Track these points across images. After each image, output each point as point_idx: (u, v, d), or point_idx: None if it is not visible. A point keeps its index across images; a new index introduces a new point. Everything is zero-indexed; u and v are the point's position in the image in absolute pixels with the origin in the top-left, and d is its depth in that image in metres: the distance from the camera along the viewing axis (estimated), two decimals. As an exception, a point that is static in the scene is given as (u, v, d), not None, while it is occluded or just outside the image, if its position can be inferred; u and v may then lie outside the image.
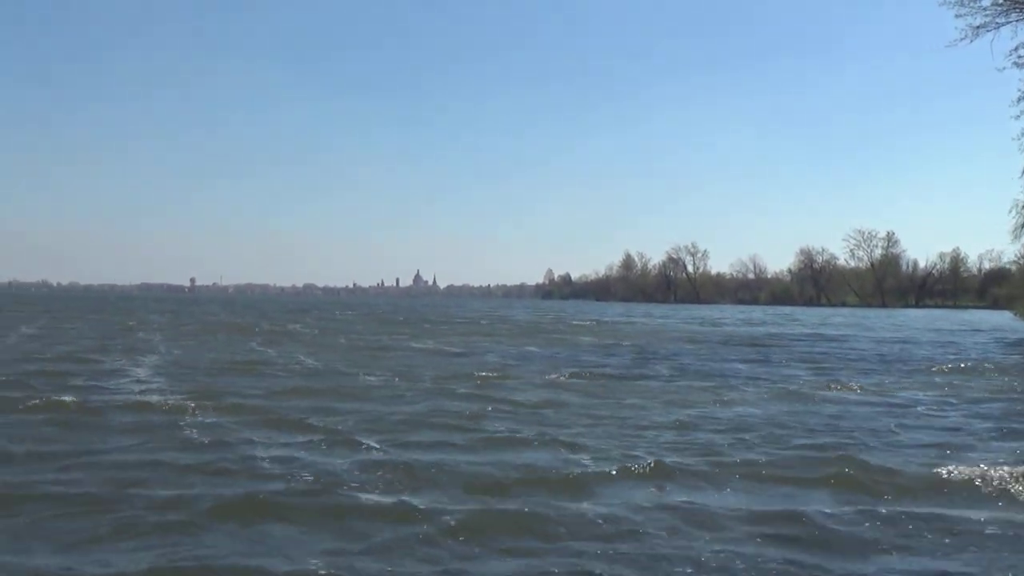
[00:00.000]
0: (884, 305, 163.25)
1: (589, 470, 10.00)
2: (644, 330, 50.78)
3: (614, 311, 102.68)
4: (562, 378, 20.81)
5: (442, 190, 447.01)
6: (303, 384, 18.48)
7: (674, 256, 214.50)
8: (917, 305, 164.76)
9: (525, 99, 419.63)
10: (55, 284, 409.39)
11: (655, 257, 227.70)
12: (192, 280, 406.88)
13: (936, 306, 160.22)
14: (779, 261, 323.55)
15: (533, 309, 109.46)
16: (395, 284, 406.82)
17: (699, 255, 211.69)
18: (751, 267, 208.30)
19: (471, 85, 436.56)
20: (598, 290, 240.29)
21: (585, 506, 8.45)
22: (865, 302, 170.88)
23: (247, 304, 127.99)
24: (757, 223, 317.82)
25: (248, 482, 9.21)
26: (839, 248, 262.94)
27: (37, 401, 14.46)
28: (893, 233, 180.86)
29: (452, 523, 7.72)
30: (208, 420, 13.16)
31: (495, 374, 21.29)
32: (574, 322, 62.55)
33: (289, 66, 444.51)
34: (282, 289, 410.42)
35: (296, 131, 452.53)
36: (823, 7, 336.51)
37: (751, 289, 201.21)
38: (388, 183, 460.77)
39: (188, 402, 14.68)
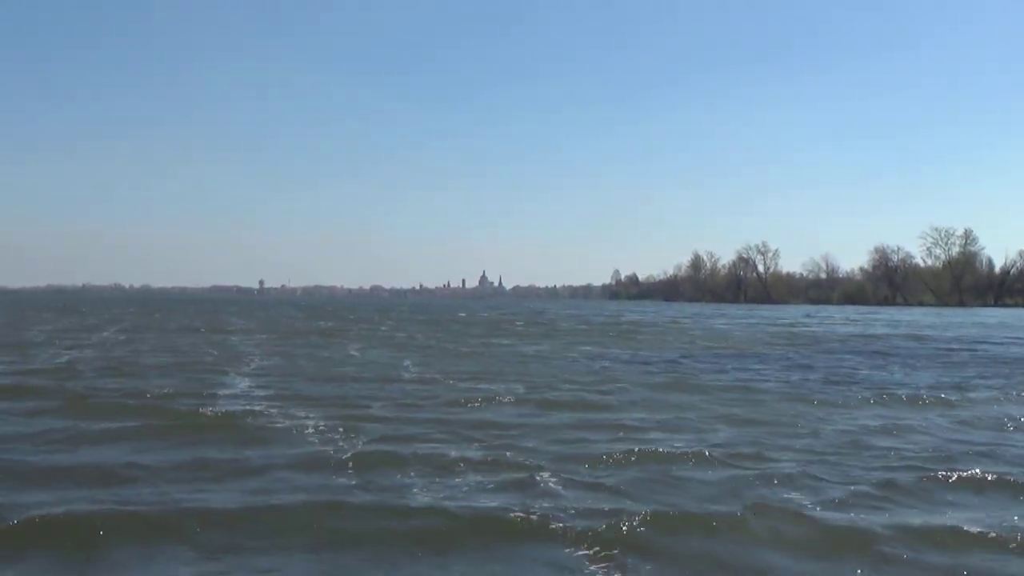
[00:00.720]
0: (962, 304, 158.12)
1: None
2: (760, 333, 48.63)
3: (692, 312, 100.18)
4: (758, 384, 19.56)
5: (507, 191, 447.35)
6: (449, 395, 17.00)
7: (744, 256, 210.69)
8: (996, 304, 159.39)
9: (590, 105, 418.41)
10: (127, 287, 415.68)
11: (724, 257, 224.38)
12: (261, 282, 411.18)
13: (1016, 305, 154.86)
14: (851, 260, 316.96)
15: (618, 310, 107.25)
16: (461, 285, 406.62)
17: (770, 254, 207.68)
18: (823, 266, 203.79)
19: (538, 90, 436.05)
20: (666, 290, 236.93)
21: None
22: (942, 301, 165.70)
23: (317, 305, 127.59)
24: (828, 222, 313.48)
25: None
26: (915, 246, 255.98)
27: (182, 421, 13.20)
28: (971, 230, 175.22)
29: None
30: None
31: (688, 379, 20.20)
32: (675, 325, 60.63)
33: (358, 73, 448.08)
34: (349, 291, 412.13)
35: (363, 135, 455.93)
36: (895, 8, 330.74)
37: (823, 289, 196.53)
38: (454, 185, 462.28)
39: (327, 424, 13.36)
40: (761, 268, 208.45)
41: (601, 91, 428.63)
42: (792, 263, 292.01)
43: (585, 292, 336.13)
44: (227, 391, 16.92)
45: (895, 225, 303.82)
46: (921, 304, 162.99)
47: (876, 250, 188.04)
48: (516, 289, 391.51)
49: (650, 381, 19.98)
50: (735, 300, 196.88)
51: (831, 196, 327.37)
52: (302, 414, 13.64)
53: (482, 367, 23.14)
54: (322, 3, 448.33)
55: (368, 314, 78.31)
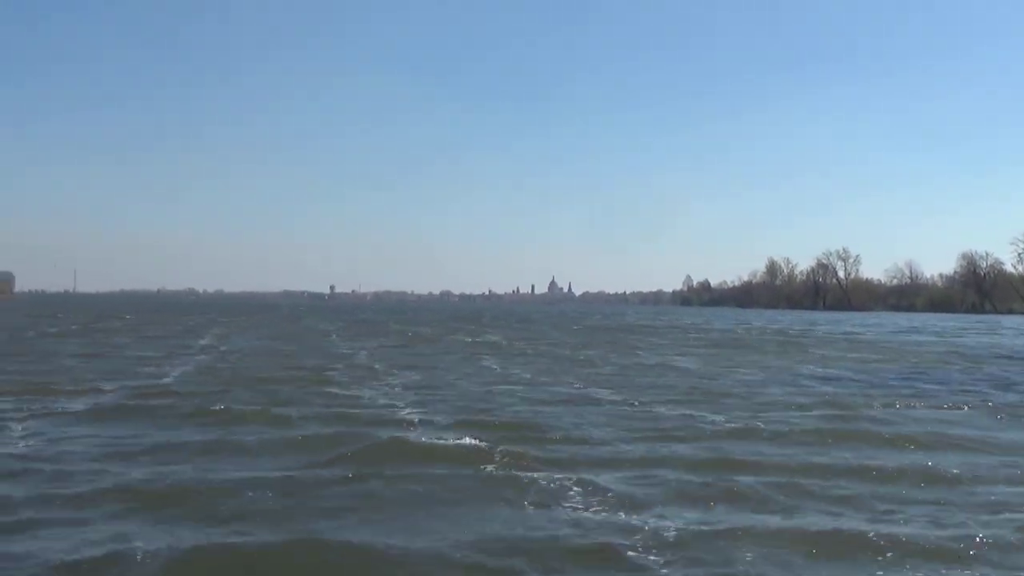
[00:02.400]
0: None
1: None
2: (919, 348, 45.07)
3: (786, 320, 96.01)
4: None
5: (576, 196, 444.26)
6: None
7: (824, 261, 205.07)
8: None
9: (660, 107, 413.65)
10: (201, 291, 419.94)
11: (801, 263, 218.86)
12: (332, 287, 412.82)
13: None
14: (934, 266, 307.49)
15: (719, 317, 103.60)
16: (530, 291, 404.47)
17: (851, 260, 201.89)
18: (906, 272, 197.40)
19: (608, 92, 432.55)
20: (740, 297, 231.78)
21: None
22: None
23: (396, 310, 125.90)
24: (911, 228, 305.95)
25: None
26: (1005, 253, 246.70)
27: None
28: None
29: None
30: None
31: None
32: (777, 334, 57.23)
33: (426, 75, 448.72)
34: (419, 296, 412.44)
35: (431, 140, 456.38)
36: (972, 7, 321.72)
37: (907, 295, 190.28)
38: (523, 189, 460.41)
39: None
40: (841, 274, 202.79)
41: (670, 93, 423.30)
42: (872, 270, 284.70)
43: (655, 298, 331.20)
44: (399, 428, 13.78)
45: (982, 231, 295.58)
46: (1011, 312, 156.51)
47: (964, 256, 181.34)
48: (585, 295, 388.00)
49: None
50: (813, 307, 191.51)
51: (906, 201, 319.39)
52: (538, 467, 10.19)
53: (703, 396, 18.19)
54: (382, 3, 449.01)
55: (456, 322, 75.79)
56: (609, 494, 8.71)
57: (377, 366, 24.15)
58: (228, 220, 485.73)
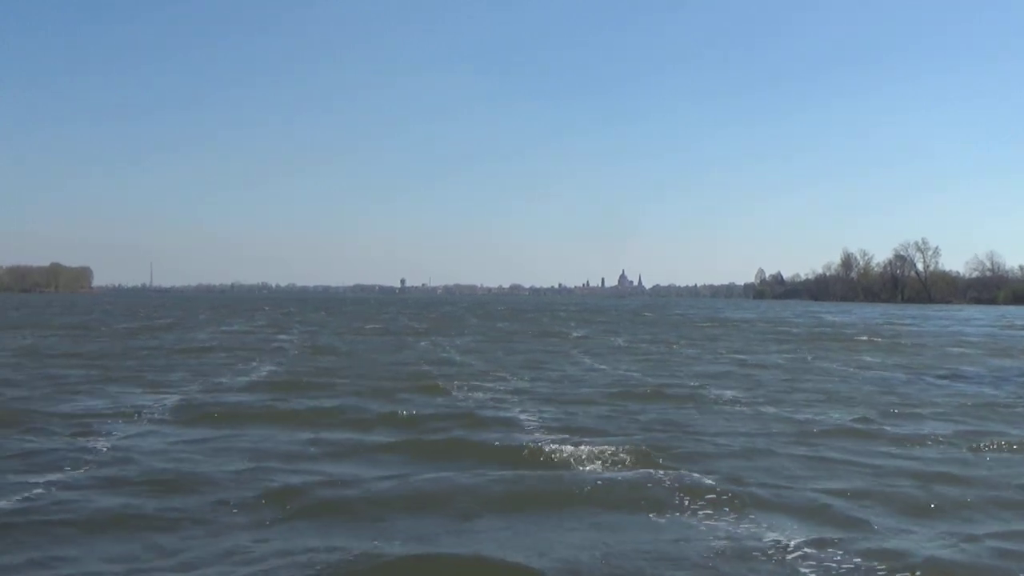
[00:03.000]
0: None
1: None
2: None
3: (875, 313, 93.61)
4: None
5: (645, 190, 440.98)
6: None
7: (902, 253, 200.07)
8: None
9: (731, 100, 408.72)
10: (273, 286, 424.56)
11: (877, 255, 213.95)
12: (402, 281, 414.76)
13: None
14: (1016, 258, 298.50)
15: (801, 312, 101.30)
16: (600, 284, 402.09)
17: (930, 252, 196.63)
18: (987, 264, 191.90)
19: (677, 88, 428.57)
20: (814, 290, 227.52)
21: None
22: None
23: (470, 304, 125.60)
24: (992, 220, 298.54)
25: None
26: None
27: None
28: None
29: None
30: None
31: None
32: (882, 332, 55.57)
33: (494, 70, 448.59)
34: (489, 290, 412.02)
35: (502, 135, 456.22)
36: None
37: (988, 288, 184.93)
38: (593, 183, 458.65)
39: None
40: (920, 266, 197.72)
41: (741, 87, 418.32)
42: (948, 262, 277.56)
43: (727, 291, 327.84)
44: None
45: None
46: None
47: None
48: (656, 288, 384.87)
49: None
50: (891, 300, 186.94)
51: (986, 192, 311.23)
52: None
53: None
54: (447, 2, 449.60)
55: (537, 315, 75.08)
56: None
57: (484, 366, 23.56)
58: (300, 215, 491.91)
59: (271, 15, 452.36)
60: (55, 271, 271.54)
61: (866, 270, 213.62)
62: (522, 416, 13.73)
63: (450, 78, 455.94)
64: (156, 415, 13.89)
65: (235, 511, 8.03)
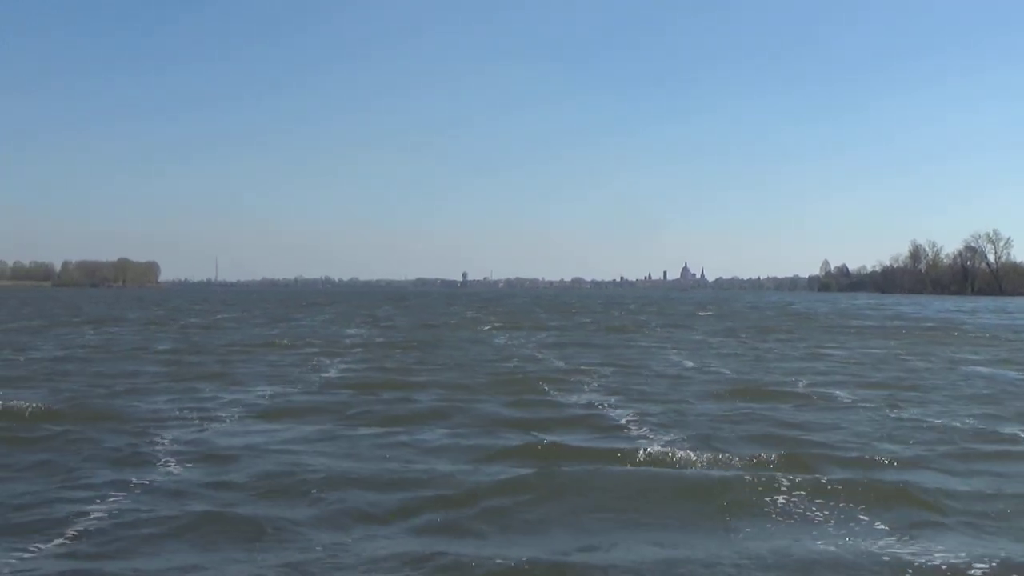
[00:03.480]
0: None
1: None
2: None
3: (946, 306, 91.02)
4: None
5: (707, 181, 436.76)
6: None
7: (973, 244, 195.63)
8: None
9: (797, 91, 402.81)
10: (336, 280, 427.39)
11: (946, 247, 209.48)
12: (464, 275, 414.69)
13: None
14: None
15: (883, 305, 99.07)
16: (662, 277, 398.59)
17: (1002, 243, 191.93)
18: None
19: (741, 75, 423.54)
20: (880, 282, 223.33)
21: None
22: None
23: (534, 297, 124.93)
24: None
25: None
26: None
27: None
28: None
29: None
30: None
31: None
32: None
33: (554, 65, 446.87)
34: (550, 283, 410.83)
35: (562, 128, 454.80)
36: None
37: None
38: (653, 176, 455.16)
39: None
40: (991, 258, 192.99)
41: (806, 78, 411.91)
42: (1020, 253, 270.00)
43: (791, 284, 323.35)
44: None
45: None
46: None
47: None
48: (718, 281, 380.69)
49: None
50: (960, 292, 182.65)
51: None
52: None
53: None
54: None
55: (601, 307, 74.05)
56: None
57: (571, 363, 22.68)
58: (362, 209, 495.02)
59: (335, 6, 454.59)
60: (123, 266, 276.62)
61: (935, 262, 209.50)
62: (635, 419, 12.78)
63: (513, 72, 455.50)
64: (243, 411, 13.38)
65: (356, 512, 7.56)
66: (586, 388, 16.80)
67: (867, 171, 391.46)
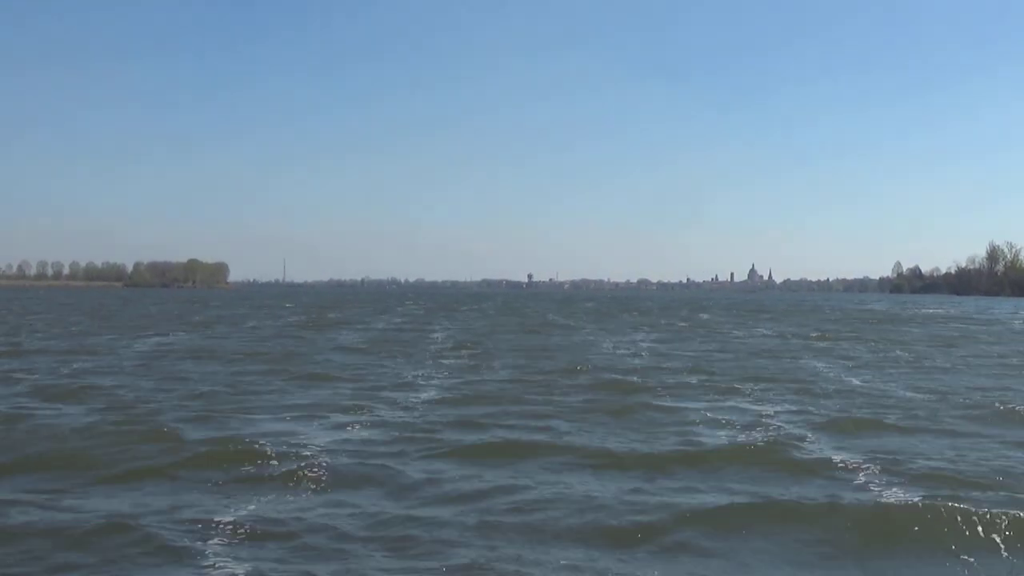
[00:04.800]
0: None
1: None
2: None
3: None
4: None
5: (772, 177, 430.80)
6: None
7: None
8: None
9: (856, 81, 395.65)
10: (402, 281, 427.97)
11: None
12: (529, 276, 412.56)
13: None
14: None
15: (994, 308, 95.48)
16: (729, 279, 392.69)
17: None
18: None
19: (799, 67, 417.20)
20: (955, 284, 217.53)
21: None
22: None
23: (604, 299, 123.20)
24: None
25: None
26: None
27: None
28: None
29: None
30: None
31: None
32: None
33: (604, 53, 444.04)
34: (616, 284, 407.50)
35: (626, 124, 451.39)
36: None
37: None
38: (717, 171, 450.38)
39: None
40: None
41: (883, 62, 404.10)
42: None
43: (861, 285, 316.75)
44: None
45: None
46: None
47: None
48: (787, 283, 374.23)
49: None
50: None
51: None
52: None
53: None
54: None
55: (683, 309, 72.12)
56: None
57: (701, 375, 21.24)
58: (427, 212, 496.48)
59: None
60: (192, 267, 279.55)
61: (1014, 263, 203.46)
62: (830, 450, 11.27)
63: (554, 61, 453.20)
64: (356, 424, 12.49)
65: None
66: (737, 408, 15.38)
67: (942, 169, 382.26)
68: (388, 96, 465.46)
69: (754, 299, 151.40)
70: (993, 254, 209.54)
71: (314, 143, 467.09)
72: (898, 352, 27.08)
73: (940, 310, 77.07)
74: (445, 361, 22.83)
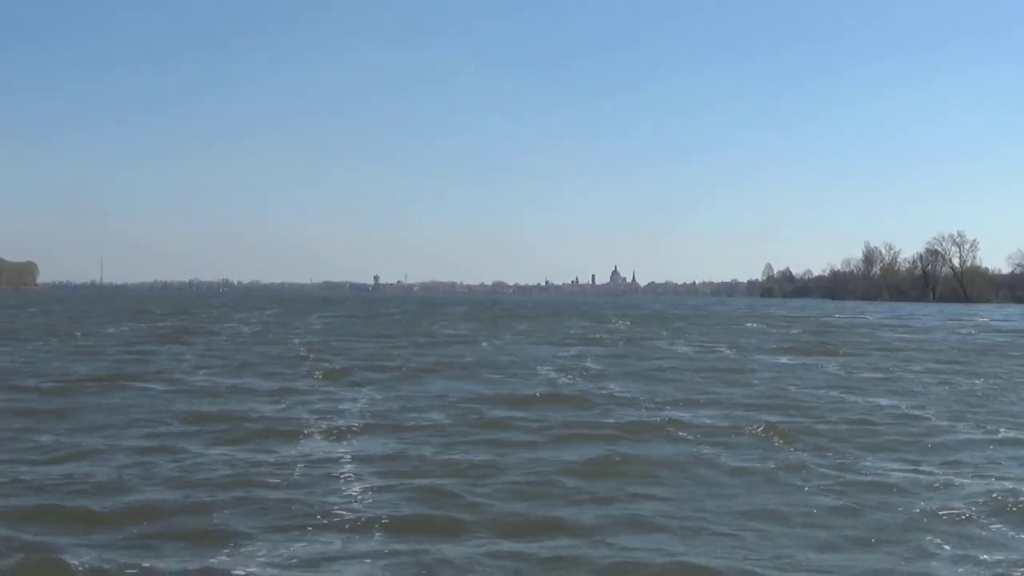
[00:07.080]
0: None
1: None
2: None
3: (943, 312, 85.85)
4: None
5: (635, 176, 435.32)
6: None
7: (934, 248, 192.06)
8: None
9: (720, 75, 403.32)
10: (235, 283, 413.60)
11: (905, 250, 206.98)
12: (376, 278, 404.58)
13: None
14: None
15: (887, 313, 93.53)
16: (591, 281, 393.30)
17: (967, 246, 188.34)
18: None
19: (668, 59, 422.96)
20: (830, 287, 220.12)
21: None
22: None
23: (467, 303, 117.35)
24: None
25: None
26: None
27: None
28: None
29: None
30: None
31: None
32: None
33: (457, 43, 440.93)
34: (469, 287, 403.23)
35: (500, 133, 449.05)
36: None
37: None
38: (578, 169, 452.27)
39: None
40: (956, 262, 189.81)
41: (740, 57, 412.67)
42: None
43: (729, 289, 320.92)
44: None
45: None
46: None
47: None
48: (651, 286, 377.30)
49: None
50: (921, 298, 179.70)
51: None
52: None
53: None
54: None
55: (588, 320, 66.63)
56: None
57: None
58: (264, 207, 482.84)
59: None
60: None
61: (891, 266, 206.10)
62: None
63: (470, 79, 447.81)
64: None
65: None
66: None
67: (814, 172, 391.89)
68: (234, 87, 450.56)
69: (627, 301, 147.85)
70: (870, 256, 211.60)
71: (144, 136, 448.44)
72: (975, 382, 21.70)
73: (852, 317, 73.97)
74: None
